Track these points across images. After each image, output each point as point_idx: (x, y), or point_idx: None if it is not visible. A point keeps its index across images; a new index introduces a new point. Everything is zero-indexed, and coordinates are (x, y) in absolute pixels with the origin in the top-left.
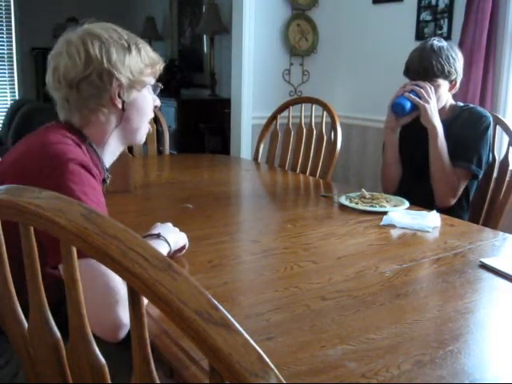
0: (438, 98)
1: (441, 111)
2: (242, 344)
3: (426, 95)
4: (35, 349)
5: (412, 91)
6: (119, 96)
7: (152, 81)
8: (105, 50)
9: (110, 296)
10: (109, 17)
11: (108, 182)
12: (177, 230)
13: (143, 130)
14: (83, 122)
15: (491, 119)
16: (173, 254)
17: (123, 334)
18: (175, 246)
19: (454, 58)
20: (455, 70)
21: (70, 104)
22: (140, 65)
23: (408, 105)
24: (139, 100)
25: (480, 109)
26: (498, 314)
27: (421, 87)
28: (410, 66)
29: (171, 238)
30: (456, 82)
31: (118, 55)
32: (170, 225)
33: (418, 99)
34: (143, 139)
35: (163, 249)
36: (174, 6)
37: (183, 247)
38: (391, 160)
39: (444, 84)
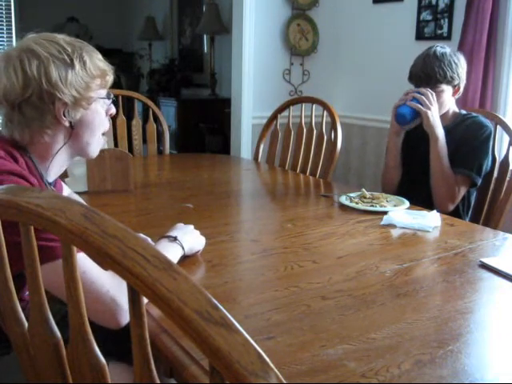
0: (442, 104)
1: (443, 117)
2: (241, 343)
3: (427, 102)
4: (35, 349)
5: (414, 99)
6: (65, 115)
7: (102, 93)
8: (43, 69)
9: (101, 285)
10: (109, 17)
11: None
12: (197, 233)
13: (95, 144)
14: (27, 141)
15: (492, 129)
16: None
17: (124, 317)
18: (190, 251)
19: (456, 64)
20: (458, 75)
21: (12, 124)
22: (86, 79)
23: (409, 114)
24: (88, 116)
25: (482, 118)
26: (498, 314)
27: (422, 94)
28: (414, 73)
29: (187, 242)
30: (459, 87)
31: (59, 73)
32: (190, 227)
33: (419, 106)
34: (96, 153)
35: (176, 253)
36: (174, 6)
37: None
38: (392, 163)
39: (447, 89)
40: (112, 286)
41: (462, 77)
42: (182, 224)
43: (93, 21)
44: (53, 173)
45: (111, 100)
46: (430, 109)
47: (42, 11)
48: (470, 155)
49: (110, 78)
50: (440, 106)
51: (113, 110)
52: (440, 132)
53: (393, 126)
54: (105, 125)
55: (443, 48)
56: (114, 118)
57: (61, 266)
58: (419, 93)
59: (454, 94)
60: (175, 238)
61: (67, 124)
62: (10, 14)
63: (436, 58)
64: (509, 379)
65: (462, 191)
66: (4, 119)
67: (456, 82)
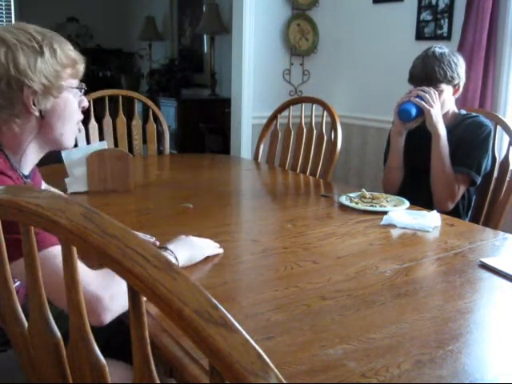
0: (442, 103)
1: (443, 117)
2: (241, 343)
3: (430, 100)
4: (35, 349)
5: (417, 96)
6: (34, 104)
7: (73, 83)
8: (11, 55)
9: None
10: (109, 17)
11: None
12: (202, 245)
13: (69, 134)
14: None
15: (492, 128)
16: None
17: (107, 315)
18: (187, 262)
19: (455, 64)
20: (458, 74)
21: None
22: (56, 67)
23: (413, 110)
24: (59, 106)
25: (482, 118)
26: (498, 314)
27: (425, 92)
28: (414, 73)
29: (184, 254)
30: (459, 87)
31: (28, 60)
32: (191, 239)
33: (423, 103)
34: (71, 143)
35: None
36: (174, 6)
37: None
38: (395, 163)
39: (447, 89)
40: (96, 284)
41: (462, 76)
42: (183, 236)
43: (93, 21)
44: (27, 165)
45: (83, 91)
46: (432, 107)
47: (42, 11)
48: (469, 154)
49: (81, 68)
50: (441, 106)
51: (85, 103)
52: (442, 130)
53: (396, 126)
54: (77, 116)
55: (442, 48)
56: (113, 118)
57: (44, 258)
58: (423, 91)
59: (454, 93)
60: (166, 249)
61: (37, 113)
62: (10, 13)
63: (435, 58)
64: (509, 379)
65: (462, 190)
66: None
67: (456, 82)
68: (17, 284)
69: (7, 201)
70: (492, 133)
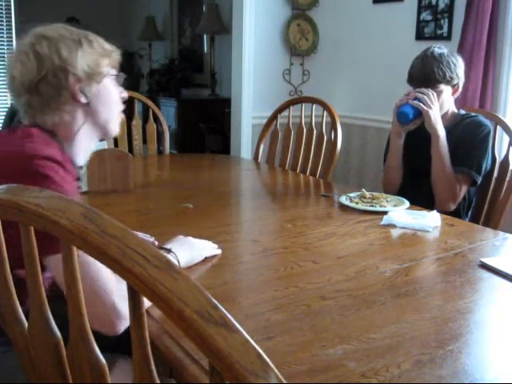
0: (442, 104)
1: (443, 117)
2: (241, 343)
3: (428, 101)
4: (35, 349)
5: (415, 98)
6: (80, 91)
7: (112, 71)
8: (54, 47)
9: (102, 286)
10: (109, 17)
11: (83, 180)
12: (200, 246)
13: (114, 120)
14: (49, 123)
15: (491, 128)
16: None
17: (123, 325)
18: (188, 263)
19: (454, 64)
20: (457, 75)
21: (33, 109)
22: (94, 56)
23: (411, 113)
24: (102, 91)
25: (481, 118)
26: (498, 314)
27: (423, 94)
28: (413, 74)
29: (184, 255)
30: (458, 87)
31: (69, 50)
32: (190, 240)
33: (421, 105)
34: (116, 130)
35: None
36: (174, 6)
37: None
38: (394, 163)
39: (446, 89)
40: (116, 293)
41: (461, 76)
42: (181, 236)
43: (93, 21)
44: (80, 155)
45: (121, 81)
46: (431, 108)
47: (42, 11)
48: (469, 154)
49: (117, 56)
50: (440, 106)
51: (125, 93)
52: (441, 131)
53: (395, 127)
54: (119, 104)
55: (440, 49)
56: None
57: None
58: (421, 93)
59: (453, 93)
60: (169, 250)
61: (83, 100)
62: (10, 13)
63: (434, 59)
64: (509, 379)
65: (463, 190)
66: (24, 107)
67: (455, 82)
68: (47, 275)
69: (7, 201)
70: (491, 132)
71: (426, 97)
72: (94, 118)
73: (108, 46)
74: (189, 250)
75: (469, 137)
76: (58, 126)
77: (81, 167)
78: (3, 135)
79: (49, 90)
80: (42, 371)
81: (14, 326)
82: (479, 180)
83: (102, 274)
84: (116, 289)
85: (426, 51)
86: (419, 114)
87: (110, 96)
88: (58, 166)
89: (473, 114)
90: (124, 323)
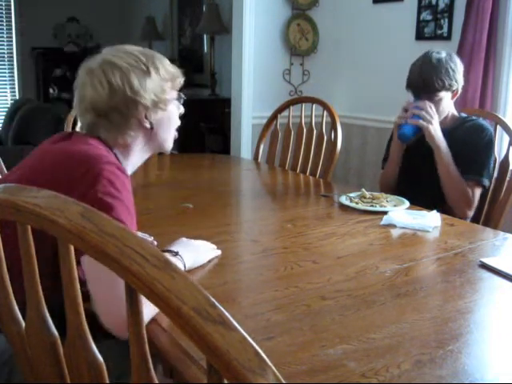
0: (442, 110)
1: (443, 120)
2: (239, 341)
3: (427, 116)
4: (32, 348)
5: (414, 115)
6: (146, 118)
7: (175, 94)
8: (126, 79)
9: (119, 290)
10: (109, 17)
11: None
12: (201, 247)
13: (170, 139)
14: (110, 139)
15: (492, 131)
16: None
17: None
18: (193, 264)
19: (453, 70)
20: (456, 80)
21: (98, 127)
22: (161, 83)
23: (412, 132)
24: (165, 116)
25: (482, 121)
26: (498, 314)
27: (421, 108)
28: (412, 82)
29: (190, 258)
30: (458, 91)
31: (140, 81)
32: (193, 242)
33: (421, 122)
34: (171, 146)
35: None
36: (174, 6)
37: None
38: (392, 170)
39: (446, 95)
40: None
41: (460, 81)
42: (185, 238)
43: (93, 21)
44: (131, 167)
45: (182, 101)
46: (431, 123)
47: (42, 11)
48: (475, 160)
49: (181, 81)
50: (440, 112)
51: (182, 109)
52: (442, 142)
53: (396, 143)
54: (177, 123)
55: (439, 53)
56: None
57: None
58: (418, 107)
59: (453, 97)
60: (177, 253)
61: (148, 125)
62: (10, 13)
63: (432, 67)
64: (509, 379)
65: (476, 195)
66: (89, 126)
67: (454, 88)
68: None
69: (5, 200)
70: (493, 135)
71: (424, 112)
72: (154, 139)
73: (172, 69)
74: (193, 253)
75: (473, 142)
76: (118, 144)
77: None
78: (59, 138)
79: (118, 118)
80: (39, 371)
81: (11, 325)
82: (488, 183)
83: (116, 279)
84: None
85: (424, 57)
86: (419, 130)
87: (171, 120)
88: (119, 171)
89: (473, 117)
90: None
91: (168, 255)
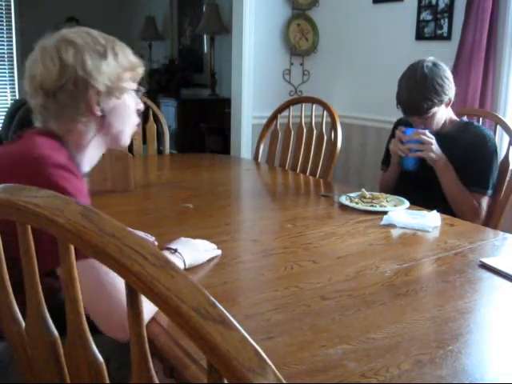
0: (437, 122)
1: (442, 127)
2: (239, 340)
3: (426, 144)
4: (32, 348)
5: (412, 146)
6: (98, 104)
7: (133, 85)
8: (79, 57)
9: (117, 294)
10: (109, 17)
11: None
12: (200, 246)
13: (126, 133)
14: (62, 129)
15: (493, 137)
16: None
17: None
18: (193, 263)
19: (440, 85)
20: (445, 93)
21: (47, 112)
22: (118, 70)
23: (415, 164)
24: (119, 107)
25: (485, 130)
26: (498, 314)
27: (417, 140)
28: (401, 102)
29: (189, 256)
30: (451, 100)
31: (94, 62)
32: (193, 241)
33: (421, 154)
34: (127, 142)
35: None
36: (174, 6)
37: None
38: (390, 176)
39: (439, 109)
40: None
41: (451, 90)
42: (184, 238)
43: (93, 21)
44: (87, 163)
45: (140, 94)
46: (431, 150)
47: (41, 11)
48: (480, 172)
49: (140, 71)
50: (436, 124)
51: (141, 105)
52: (442, 159)
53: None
54: (135, 117)
55: (427, 67)
56: None
57: (88, 267)
58: (414, 140)
59: (447, 106)
60: (176, 251)
61: (99, 113)
62: (10, 13)
63: (419, 86)
64: (509, 379)
65: (483, 205)
66: (38, 108)
67: (446, 100)
68: None
69: (5, 200)
70: (496, 144)
71: (421, 142)
72: (107, 130)
73: (133, 59)
74: (193, 252)
75: (477, 153)
76: (70, 133)
77: (85, 174)
78: (13, 141)
79: (66, 98)
80: (39, 370)
81: (11, 325)
82: (492, 193)
83: (117, 281)
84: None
85: (411, 72)
86: (420, 158)
87: (127, 110)
88: (70, 174)
89: (475, 122)
90: None
91: (167, 253)
